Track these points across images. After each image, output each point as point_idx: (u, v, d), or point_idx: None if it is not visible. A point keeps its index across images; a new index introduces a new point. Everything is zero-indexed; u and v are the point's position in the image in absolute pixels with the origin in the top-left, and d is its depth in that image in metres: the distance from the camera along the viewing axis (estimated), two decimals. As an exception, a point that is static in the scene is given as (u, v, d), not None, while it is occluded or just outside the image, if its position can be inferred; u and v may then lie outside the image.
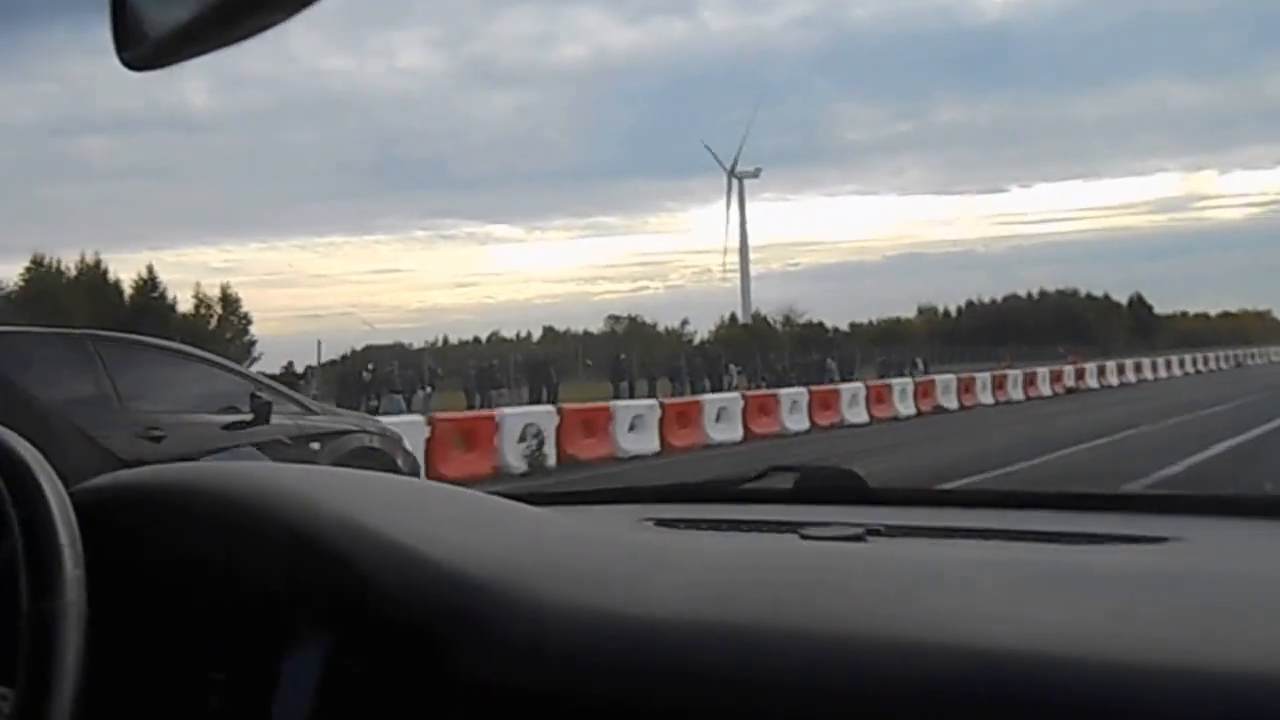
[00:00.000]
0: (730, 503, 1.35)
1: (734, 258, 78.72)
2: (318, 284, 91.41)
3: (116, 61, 0.63)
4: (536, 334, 68.63)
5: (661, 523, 1.17)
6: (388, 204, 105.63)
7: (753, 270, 79.24)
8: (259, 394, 6.39)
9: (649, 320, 68.06)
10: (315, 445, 6.58)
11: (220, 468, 1.05)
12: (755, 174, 78.57)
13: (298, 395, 7.46)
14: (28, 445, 0.76)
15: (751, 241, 79.51)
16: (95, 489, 0.91)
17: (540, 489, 1.36)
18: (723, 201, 78.68)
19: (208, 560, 0.93)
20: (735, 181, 77.06)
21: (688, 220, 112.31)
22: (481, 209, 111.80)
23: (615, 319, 67.70)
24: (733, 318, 70.32)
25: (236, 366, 7.96)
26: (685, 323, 68.42)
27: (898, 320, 75.55)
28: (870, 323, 74.55)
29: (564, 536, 0.96)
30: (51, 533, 0.71)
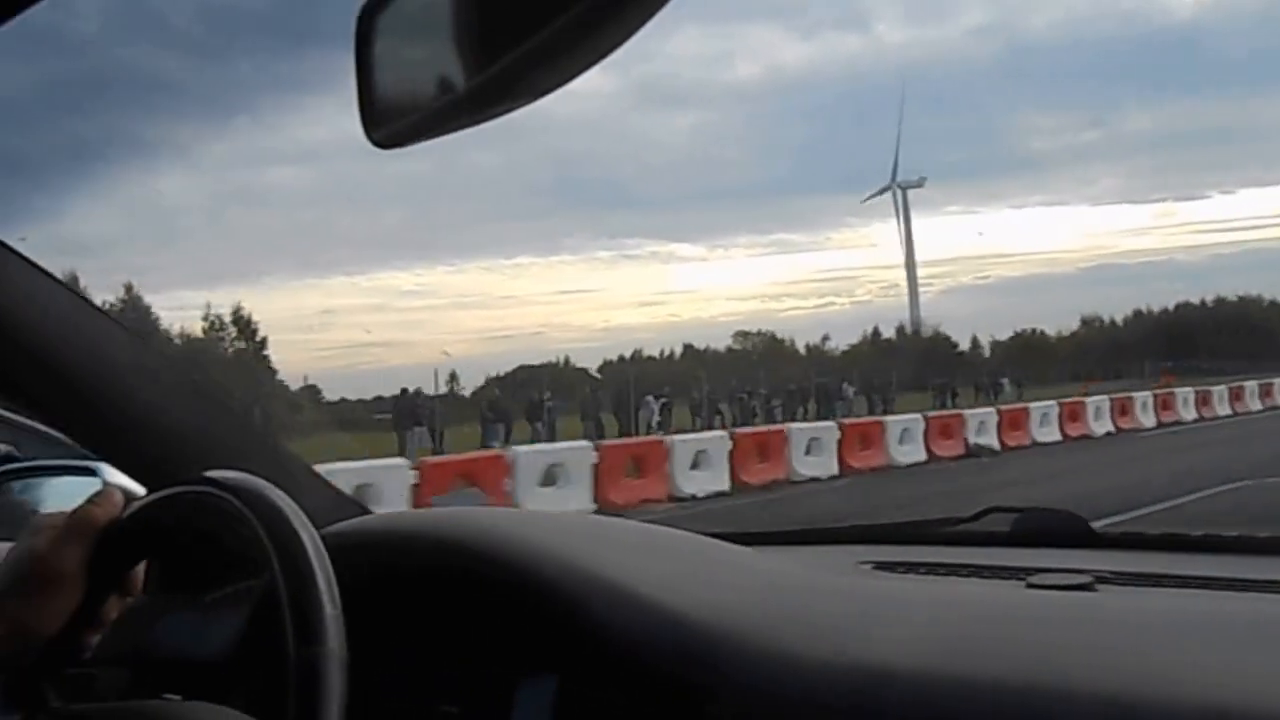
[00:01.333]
0: (947, 545, 1.31)
1: (921, 271, 76.54)
2: (506, 305, 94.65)
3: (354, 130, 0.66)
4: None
5: (880, 566, 1.16)
6: (571, 224, 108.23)
7: (940, 284, 76.99)
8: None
9: (783, 336, 66.33)
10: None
11: (454, 514, 1.09)
12: (919, 183, 76.52)
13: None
14: (281, 493, 0.80)
15: (937, 255, 77.24)
16: (340, 534, 0.96)
17: (751, 529, 1.36)
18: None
19: (442, 602, 0.98)
20: (899, 192, 75.06)
21: (871, 234, 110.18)
22: (663, 228, 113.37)
23: (744, 335, 66.30)
24: (875, 333, 67.82)
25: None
26: (826, 339, 66.42)
27: (1034, 333, 69.71)
28: (1018, 334, 69.40)
29: (791, 583, 0.98)
30: (312, 580, 0.73)
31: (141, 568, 0.91)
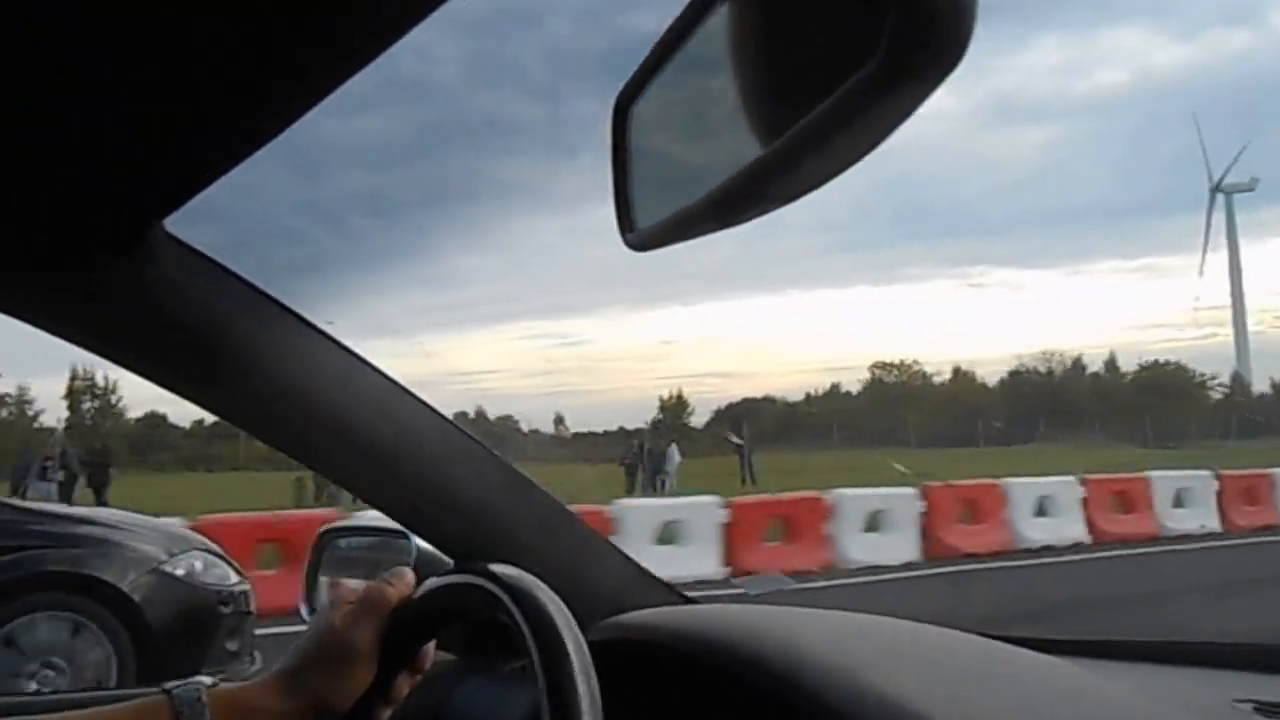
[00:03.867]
0: None
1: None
2: (839, 336, 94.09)
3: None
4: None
5: (1266, 710, 0.91)
6: (911, 254, 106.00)
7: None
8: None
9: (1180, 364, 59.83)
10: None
11: (720, 612, 1.04)
12: (1250, 186, 66.71)
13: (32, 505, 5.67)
14: (553, 597, 0.78)
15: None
16: (622, 626, 0.93)
17: (1064, 636, 1.12)
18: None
19: (697, 701, 0.93)
20: (1221, 197, 65.46)
21: (1265, 255, 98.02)
22: (1011, 254, 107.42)
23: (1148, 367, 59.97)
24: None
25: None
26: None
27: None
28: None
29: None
30: (574, 696, 0.71)
31: (431, 646, 0.92)
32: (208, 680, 0.86)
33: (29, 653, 4.73)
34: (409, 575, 0.91)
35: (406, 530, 1.20)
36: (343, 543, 1.32)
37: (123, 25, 0.66)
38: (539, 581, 0.79)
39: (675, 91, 0.60)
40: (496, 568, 0.82)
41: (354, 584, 0.92)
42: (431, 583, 0.89)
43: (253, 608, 5.28)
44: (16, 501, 5.93)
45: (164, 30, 0.67)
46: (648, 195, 0.63)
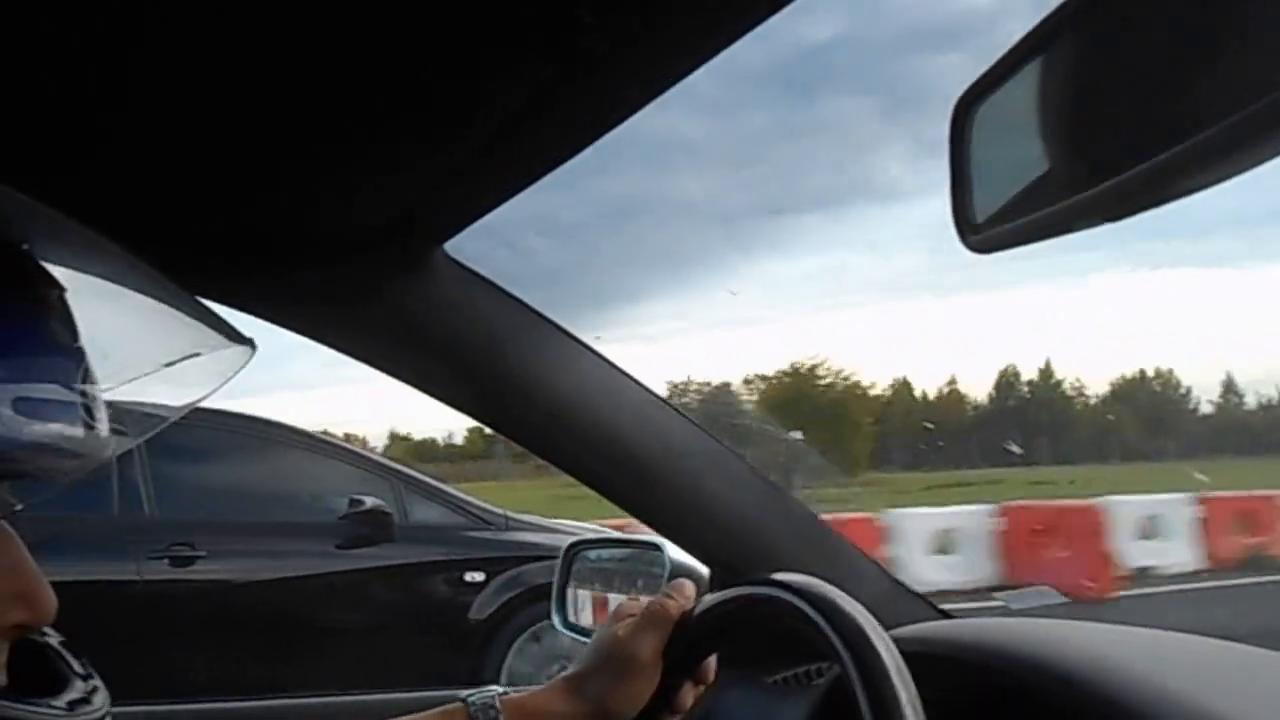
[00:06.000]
0: None
1: None
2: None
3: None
4: None
5: None
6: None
7: None
8: (362, 500, 4.77)
9: None
10: (475, 576, 4.81)
11: (1029, 627, 1.00)
12: None
13: (463, 497, 5.25)
14: (855, 604, 0.76)
15: None
16: (901, 640, 0.91)
17: None
18: None
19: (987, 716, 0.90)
20: None
21: None
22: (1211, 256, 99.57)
23: None
24: None
25: (363, 453, 5.66)
26: None
27: None
28: None
29: None
30: (895, 699, 0.69)
31: (714, 659, 0.92)
32: (499, 688, 0.90)
33: (554, 654, 4.58)
34: (689, 588, 0.92)
35: (659, 542, 1.21)
36: (592, 555, 1.34)
37: (424, 56, 0.70)
38: (837, 589, 0.78)
39: (1029, 93, 0.59)
40: (788, 577, 0.81)
41: (637, 599, 0.94)
42: (715, 596, 0.89)
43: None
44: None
45: (457, 63, 0.71)
46: (990, 197, 0.62)
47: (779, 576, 0.82)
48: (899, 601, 1.18)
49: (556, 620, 1.33)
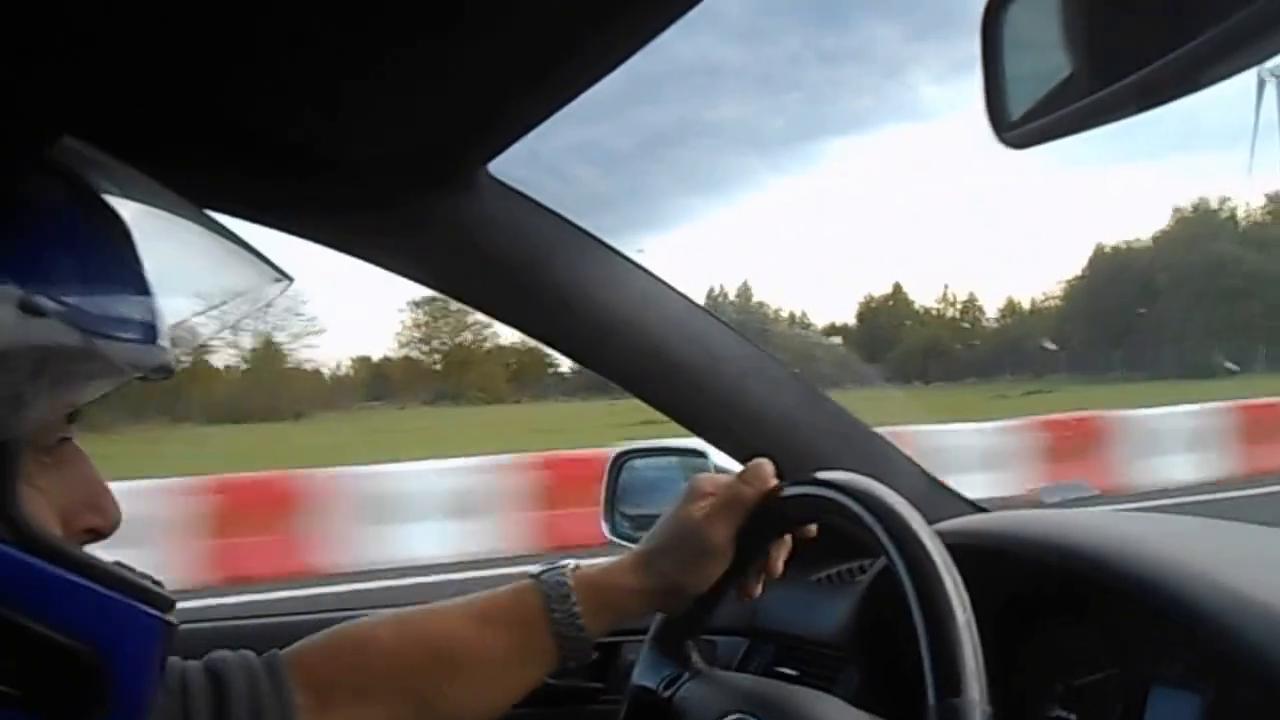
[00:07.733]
0: None
1: None
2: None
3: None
4: None
5: None
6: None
7: None
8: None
9: None
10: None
11: (1074, 518, 1.02)
12: None
13: None
14: (902, 500, 0.78)
15: None
16: (945, 533, 0.94)
17: None
18: None
19: (1052, 609, 0.94)
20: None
21: None
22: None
23: None
24: None
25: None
26: None
27: None
28: None
29: None
30: (951, 618, 0.69)
31: (784, 547, 0.92)
32: (571, 563, 0.91)
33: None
34: (767, 468, 0.91)
35: (703, 448, 1.25)
36: (638, 464, 1.38)
37: None
38: (884, 486, 0.80)
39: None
40: (836, 475, 0.83)
41: (712, 477, 0.93)
42: (775, 492, 0.89)
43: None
44: None
45: None
46: (1023, 95, 0.63)
47: (829, 475, 0.84)
48: (937, 497, 1.21)
49: (606, 528, 1.37)
